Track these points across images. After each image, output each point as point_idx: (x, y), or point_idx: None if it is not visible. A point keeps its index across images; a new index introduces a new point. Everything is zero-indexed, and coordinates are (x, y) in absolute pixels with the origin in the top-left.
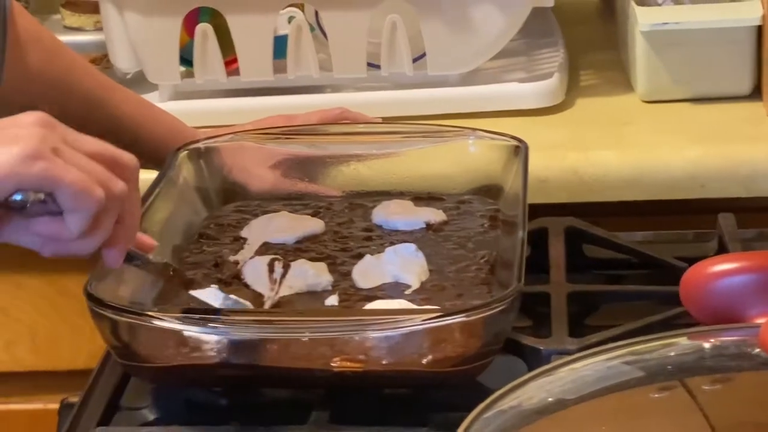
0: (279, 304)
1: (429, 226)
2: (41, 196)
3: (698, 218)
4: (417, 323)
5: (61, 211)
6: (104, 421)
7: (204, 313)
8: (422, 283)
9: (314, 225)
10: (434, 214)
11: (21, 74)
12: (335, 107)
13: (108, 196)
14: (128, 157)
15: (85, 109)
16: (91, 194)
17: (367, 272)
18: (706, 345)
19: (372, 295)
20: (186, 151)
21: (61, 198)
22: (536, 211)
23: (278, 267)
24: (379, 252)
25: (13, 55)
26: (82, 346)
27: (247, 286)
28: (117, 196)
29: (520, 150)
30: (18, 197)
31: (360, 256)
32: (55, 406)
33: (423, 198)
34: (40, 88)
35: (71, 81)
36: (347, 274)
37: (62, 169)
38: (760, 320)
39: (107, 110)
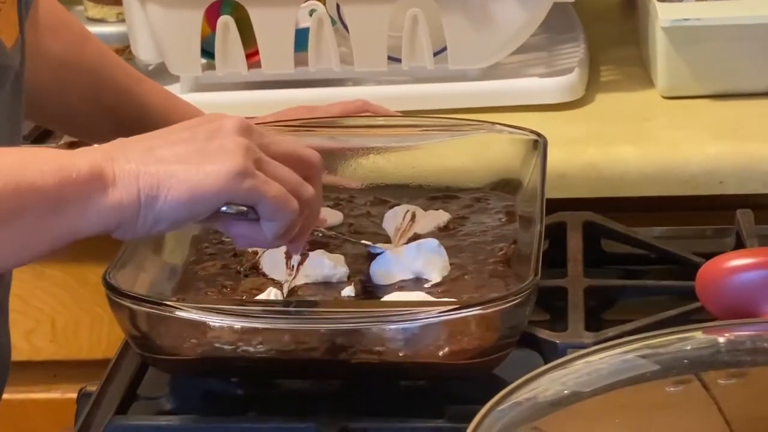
0: (295, 292)
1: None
2: (243, 208)
3: (716, 214)
4: (434, 315)
5: (257, 218)
6: (122, 410)
7: (223, 304)
8: None
9: (332, 216)
10: (440, 218)
11: (50, 60)
12: (356, 99)
13: (300, 203)
14: (312, 155)
15: (115, 97)
16: (288, 207)
17: (388, 269)
18: (722, 339)
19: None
20: None
21: (262, 210)
22: (555, 205)
23: (295, 255)
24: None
25: (37, 38)
26: (101, 336)
27: (265, 275)
28: (307, 201)
29: (538, 144)
30: (225, 209)
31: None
32: (74, 395)
33: (438, 197)
34: (70, 74)
35: (101, 69)
36: (364, 266)
37: (265, 184)
38: None
39: (136, 99)
